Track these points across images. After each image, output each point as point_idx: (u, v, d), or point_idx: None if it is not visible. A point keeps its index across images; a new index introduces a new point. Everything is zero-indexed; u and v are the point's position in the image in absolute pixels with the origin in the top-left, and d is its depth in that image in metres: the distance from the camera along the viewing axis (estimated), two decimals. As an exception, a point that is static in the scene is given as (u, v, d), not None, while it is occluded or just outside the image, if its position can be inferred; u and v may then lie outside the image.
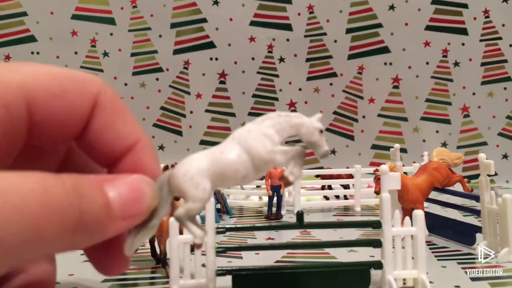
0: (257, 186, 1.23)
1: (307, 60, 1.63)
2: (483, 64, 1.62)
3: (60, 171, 0.25)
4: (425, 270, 0.61)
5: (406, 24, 1.61)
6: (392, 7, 1.60)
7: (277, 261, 0.75)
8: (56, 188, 0.23)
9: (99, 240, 0.25)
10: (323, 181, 1.27)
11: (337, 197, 1.28)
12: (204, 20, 1.61)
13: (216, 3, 1.60)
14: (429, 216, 0.84)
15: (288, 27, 1.61)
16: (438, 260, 0.76)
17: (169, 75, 1.62)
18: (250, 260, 0.74)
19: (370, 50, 1.62)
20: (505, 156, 1.61)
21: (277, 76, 1.63)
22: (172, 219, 0.59)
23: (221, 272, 0.59)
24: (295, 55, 1.63)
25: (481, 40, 1.61)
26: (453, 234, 0.85)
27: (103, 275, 0.46)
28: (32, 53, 1.57)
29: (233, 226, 0.67)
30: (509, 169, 1.55)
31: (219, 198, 1.06)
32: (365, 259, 0.70)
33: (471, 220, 0.93)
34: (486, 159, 0.78)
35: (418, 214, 0.62)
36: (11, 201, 0.21)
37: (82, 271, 0.69)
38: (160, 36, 1.61)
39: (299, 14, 1.61)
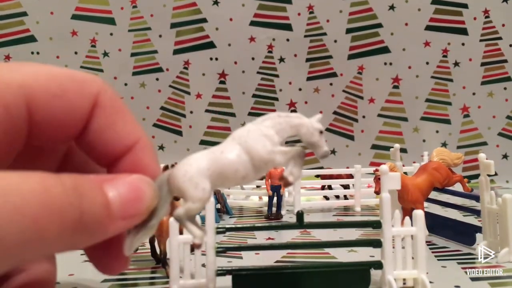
0: (257, 186, 1.23)
1: (307, 60, 1.63)
2: (483, 64, 1.62)
3: (60, 171, 0.25)
4: (425, 270, 0.61)
5: (406, 24, 1.60)
6: (392, 7, 1.60)
7: (277, 261, 0.75)
8: (56, 188, 0.23)
9: (99, 240, 0.26)
10: (323, 181, 1.27)
11: (337, 197, 1.28)
12: (204, 20, 1.60)
13: (216, 3, 1.60)
14: (429, 216, 0.84)
15: (288, 27, 1.61)
16: (438, 260, 0.76)
17: (169, 75, 1.62)
18: (250, 260, 0.74)
19: (370, 50, 1.62)
20: (505, 156, 1.61)
21: (277, 76, 1.63)
22: (172, 219, 0.59)
23: (221, 272, 0.59)
24: (295, 55, 1.63)
25: (481, 40, 1.61)
26: (453, 234, 0.85)
27: (103, 274, 0.46)
28: (32, 53, 1.57)
29: (233, 226, 0.67)
30: (509, 169, 1.55)
31: (219, 198, 1.06)
32: (365, 259, 0.70)
33: (471, 220, 0.93)
34: (486, 159, 0.78)
35: (418, 214, 0.62)
36: (12, 201, 0.21)
37: (82, 271, 0.69)
38: (160, 36, 1.61)
39: (299, 14, 1.61)
